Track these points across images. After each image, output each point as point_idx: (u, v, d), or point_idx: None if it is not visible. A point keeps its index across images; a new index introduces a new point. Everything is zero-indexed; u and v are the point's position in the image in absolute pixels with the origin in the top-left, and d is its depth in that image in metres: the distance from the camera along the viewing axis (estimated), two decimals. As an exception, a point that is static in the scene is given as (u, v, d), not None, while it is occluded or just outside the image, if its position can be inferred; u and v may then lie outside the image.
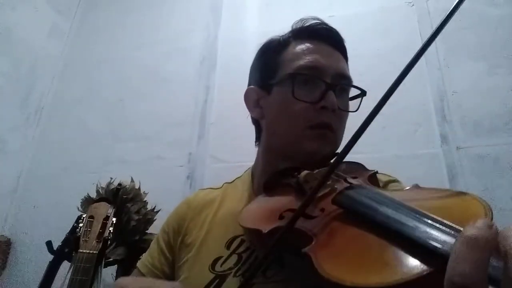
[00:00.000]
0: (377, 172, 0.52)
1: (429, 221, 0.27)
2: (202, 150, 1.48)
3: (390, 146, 1.26)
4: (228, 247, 0.54)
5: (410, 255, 0.25)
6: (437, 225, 0.26)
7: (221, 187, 0.69)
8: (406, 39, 1.39)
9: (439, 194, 0.36)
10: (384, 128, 1.27)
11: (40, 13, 1.85)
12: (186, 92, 1.62)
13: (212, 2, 1.79)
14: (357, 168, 0.54)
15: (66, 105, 1.81)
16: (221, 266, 0.52)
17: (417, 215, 0.28)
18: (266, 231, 0.40)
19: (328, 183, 0.43)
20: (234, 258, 0.52)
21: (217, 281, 0.50)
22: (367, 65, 1.38)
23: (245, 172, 0.71)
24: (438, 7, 1.40)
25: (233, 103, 1.39)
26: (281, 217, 0.42)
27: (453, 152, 1.17)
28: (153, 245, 0.66)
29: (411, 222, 0.28)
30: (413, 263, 0.25)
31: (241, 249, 0.53)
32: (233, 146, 1.40)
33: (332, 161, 0.54)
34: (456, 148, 1.17)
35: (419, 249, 0.25)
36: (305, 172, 0.48)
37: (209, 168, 1.44)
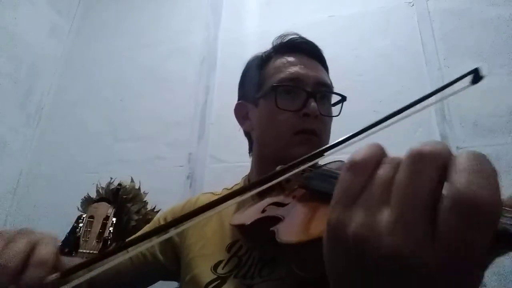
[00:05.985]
0: None
1: None
2: (202, 150, 1.48)
3: (390, 146, 1.25)
4: (228, 250, 0.56)
5: None
6: None
7: (220, 193, 0.71)
8: (406, 39, 1.39)
9: None
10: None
11: (40, 13, 1.84)
12: (186, 92, 1.62)
13: (212, 2, 1.79)
14: (338, 164, 0.56)
15: (66, 105, 1.81)
16: (222, 268, 0.54)
17: None
18: (249, 223, 0.44)
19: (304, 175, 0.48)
20: (234, 261, 0.55)
21: (218, 281, 0.53)
22: (367, 65, 1.38)
23: (242, 179, 0.73)
24: (438, 7, 1.39)
25: (233, 103, 1.38)
26: (263, 211, 0.45)
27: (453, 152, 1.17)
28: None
29: None
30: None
31: (241, 252, 0.55)
32: (233, 146, 1.40)
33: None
34: (456, 148, 1.17)
35: None
36: (279, 166, 0.51)
37: (209, 168, 1.44)
